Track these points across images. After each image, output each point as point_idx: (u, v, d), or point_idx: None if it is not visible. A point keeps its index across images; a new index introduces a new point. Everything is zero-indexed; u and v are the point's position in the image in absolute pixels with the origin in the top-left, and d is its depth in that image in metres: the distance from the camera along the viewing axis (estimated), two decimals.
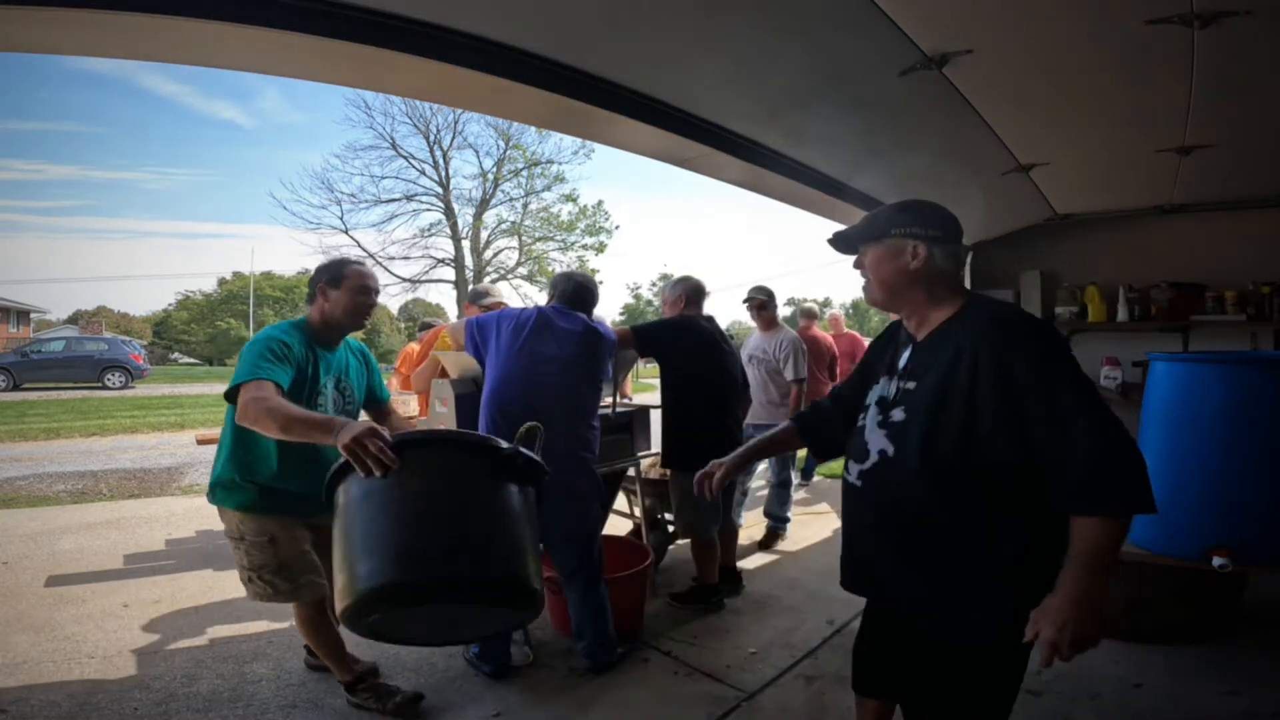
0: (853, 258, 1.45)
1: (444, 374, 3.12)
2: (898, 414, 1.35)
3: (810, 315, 6.02)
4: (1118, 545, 1.15)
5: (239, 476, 2.04)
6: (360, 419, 2.06)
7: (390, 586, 1.33)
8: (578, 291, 2.59)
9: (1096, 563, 1.14)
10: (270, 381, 1.82)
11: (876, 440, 1.37)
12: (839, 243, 1.49)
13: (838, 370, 6.23)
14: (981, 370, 1.21)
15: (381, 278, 26.88)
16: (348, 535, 1.43)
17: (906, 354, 1.40)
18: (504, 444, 1.53)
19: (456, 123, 25.60)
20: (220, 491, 2.07)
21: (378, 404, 2.37)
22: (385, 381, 2.50)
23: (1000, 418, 1.19)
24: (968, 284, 4.68)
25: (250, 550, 2.06)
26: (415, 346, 5.06)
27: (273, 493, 2.05)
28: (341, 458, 1.46)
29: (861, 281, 1.44)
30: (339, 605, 1.40)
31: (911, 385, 1.35)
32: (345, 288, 2.10)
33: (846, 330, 6.90)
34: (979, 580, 1.26)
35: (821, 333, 5.93)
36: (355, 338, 2.38)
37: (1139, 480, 1.12)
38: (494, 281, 25.52)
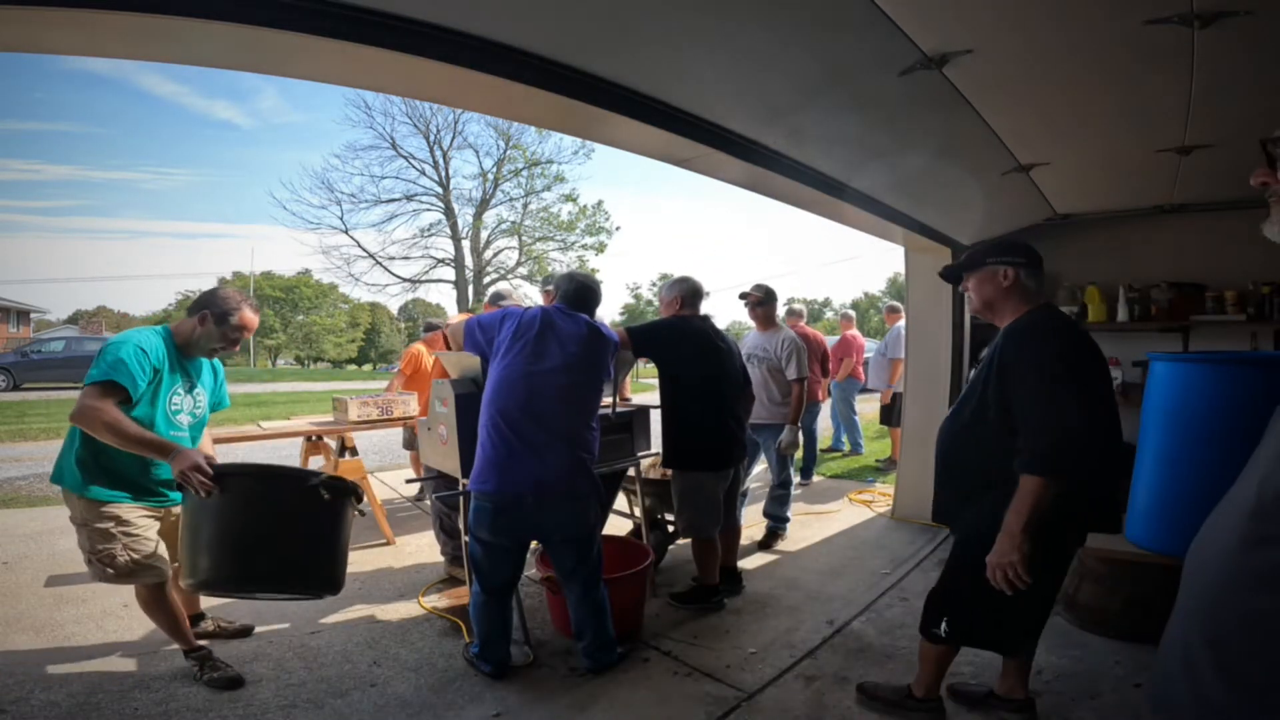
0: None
1: (444, 374, 3.13)
2: (964, 388, 1.99)
3: (795, 314, 6.16)
4: (1037, 500, 1.65)
5: (86, 463, 2.16)
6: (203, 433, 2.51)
7: (217, 581, 2.02)
8: (580, 292, 2.59)
9: (1021, 507, 1.67)
10: (122, 385, 2.05)
11: (954, 405, 2.01)
12: (948, 275, 2.06)
13: (830, 367, 6.32)
14: (994, 367, 1.80)
15: (381, 278, 27.05)
16: (192, 532, 2.01)
17: (986, 349, 1.94)
18: (312, 476, 2.03)
19: (456, 123, 25.67)
20: (67, 477, 2.19)
21: (212, 411, 2.57)
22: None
23: (998, 400, 1.77)
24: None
25: (92, 534, 2.19)
26: (419, 347, 5.07)
27: (117, 480, 2.20)
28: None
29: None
30: (184, 582, 2.03)
31: (974, 371, 1.94)
32: (223, 328, 2.35)
33: (849, 334, 6.94)
34: (978, 492, 1.84)
35: (811, 330, 6.04)
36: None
37: (1057, 456, 1.64)
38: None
